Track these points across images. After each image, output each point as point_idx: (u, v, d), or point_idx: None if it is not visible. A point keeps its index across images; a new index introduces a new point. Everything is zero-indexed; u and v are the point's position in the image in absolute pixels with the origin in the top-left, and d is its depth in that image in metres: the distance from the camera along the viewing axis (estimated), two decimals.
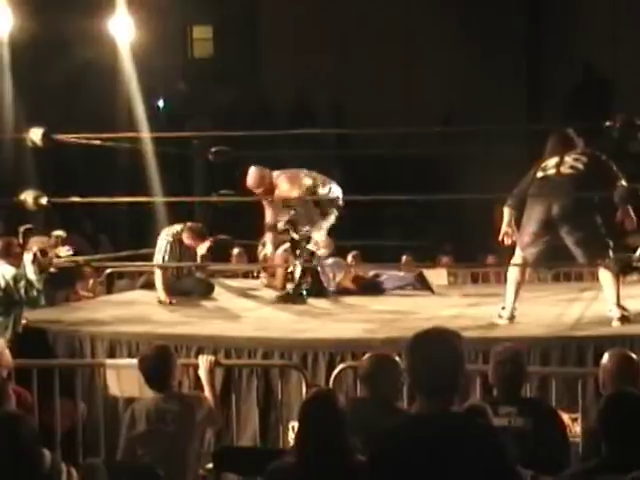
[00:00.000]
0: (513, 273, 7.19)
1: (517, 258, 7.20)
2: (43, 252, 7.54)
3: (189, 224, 8.87)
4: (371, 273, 9.26)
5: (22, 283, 7.20)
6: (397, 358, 5.06)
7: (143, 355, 5.53)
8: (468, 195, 12.31)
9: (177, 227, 8.84)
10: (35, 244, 7.76)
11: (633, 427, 3.80)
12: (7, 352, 5.62)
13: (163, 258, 8.66)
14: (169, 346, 5.67)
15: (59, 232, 9.12)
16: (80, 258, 9.03)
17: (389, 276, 9.23)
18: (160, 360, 5.37)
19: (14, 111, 12.86)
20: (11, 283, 7.19)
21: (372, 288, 9.05)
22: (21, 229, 8.98)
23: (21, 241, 8.31)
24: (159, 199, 11.24)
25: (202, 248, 8.60)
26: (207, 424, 5.50)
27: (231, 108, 17.68)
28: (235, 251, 10.92)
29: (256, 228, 10.34)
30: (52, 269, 8.06)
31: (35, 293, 7.25)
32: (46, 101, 14.36)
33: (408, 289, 9.22)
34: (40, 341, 7.14)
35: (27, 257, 7.32)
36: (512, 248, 7.26)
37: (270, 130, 11.32)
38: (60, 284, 9.14)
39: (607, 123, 7.08)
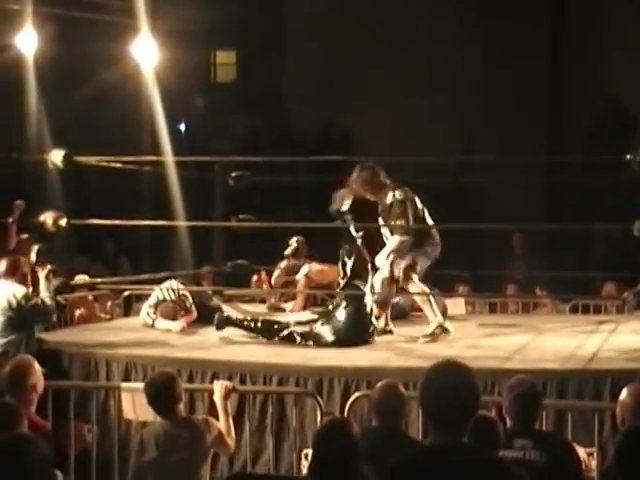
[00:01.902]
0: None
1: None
2: (54, 272, 7.56)
3: None
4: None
5: (33, 301, 7.22)
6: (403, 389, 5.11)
7: (148, 382, 5.53)
8: (486, 225, 12.29)
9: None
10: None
11: None
12: (42, 379, 5.60)
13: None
14: (173, 373, 5.68)
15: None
16: (99, 280, 9.06)
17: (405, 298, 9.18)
18: (165, 386, 5.37)
19: (38, 132, 12.96)
20: (23, 302, 7.21)
21: (396, 312, 9.04)
22: (35, 248, 9.01)
23: (34, 259, 8.31)
24: (179, 223, 11.27)
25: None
26: (217, 448, 5.49)
27: (252, 133, 17.76)
28: (255, 277, 10.99)
29: (276, 253, 10.42)
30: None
31: (46, 311, 7.27)
32: (69, 122, 14.44)
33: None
34: (56, 362, 7.13)
35: (41, 274, 7.34)
36: None
37: (290, 156, 11.34)
38: None
39: (628, 156, 7.05)
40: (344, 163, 14.78)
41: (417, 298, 8.09)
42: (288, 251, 10.22)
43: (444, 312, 8.24)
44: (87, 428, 6.24)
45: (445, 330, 7.79)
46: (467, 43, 17.07)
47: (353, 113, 17.11)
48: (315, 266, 9.53)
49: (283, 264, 10.25)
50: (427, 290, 7.98)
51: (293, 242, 10.23)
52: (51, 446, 4.51)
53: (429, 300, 7.89)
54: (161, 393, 5.35)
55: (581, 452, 5.33)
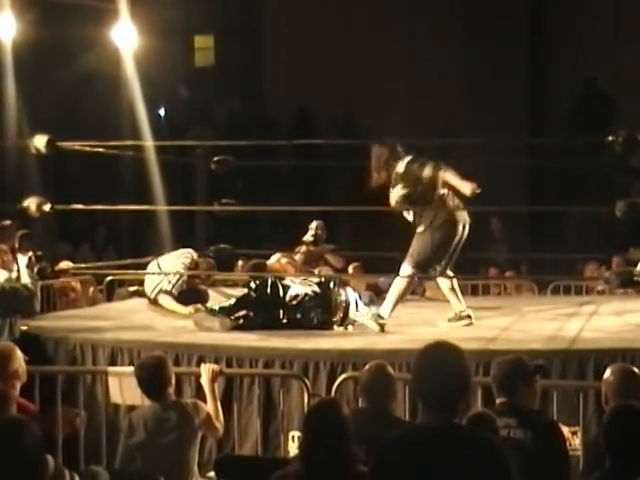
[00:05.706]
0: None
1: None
2: (38, 257, 7.53)
3: None
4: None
5: (16, 286, 7.19)
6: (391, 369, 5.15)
7: (138, 365, 5.57)
8: (467, 207, 12.26)
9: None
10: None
11: (637, 440, 3.81)
12: (24, 365, 5.61)
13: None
14: (164, 355, 5.72)
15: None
16: (82, 265, 9.04)
17: (385, 279, 9.20)
18: (155, 369, 5.41)
19: (17, 118, 12.90)
20: (6, 287, 7.20)
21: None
22: (18, 234, 8.97)
23: (17, 246, 8.28)
24: (161, 208, 11.27)
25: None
26: (205, 431, 5.52)
27: (231, 117, 17.73)
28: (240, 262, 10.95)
29: (256, 237, 10.39)
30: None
31: (29, 297, 7.25)
32: (49, 108, 14.38)
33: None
34: (41, 348, 7.14)
35: (22, 260, 7.30)
36: None
37: (270, 140, 11.33)
38: None
39: (610, 138, 7.09)
40: (325, 147, 14.81)
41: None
42: (309, 237, 9.85)
43: None
44: (76, 413, 6.24)
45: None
46: (449, 25, 17.06)
47: (332, 96, 17.09)
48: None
49: (303, 249, 9.81)
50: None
51: (313, 227, 9.80)
52: (39, 429, 4.53)
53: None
54: (151, 376, 5.39)
55: (565, 431, 5.39)
